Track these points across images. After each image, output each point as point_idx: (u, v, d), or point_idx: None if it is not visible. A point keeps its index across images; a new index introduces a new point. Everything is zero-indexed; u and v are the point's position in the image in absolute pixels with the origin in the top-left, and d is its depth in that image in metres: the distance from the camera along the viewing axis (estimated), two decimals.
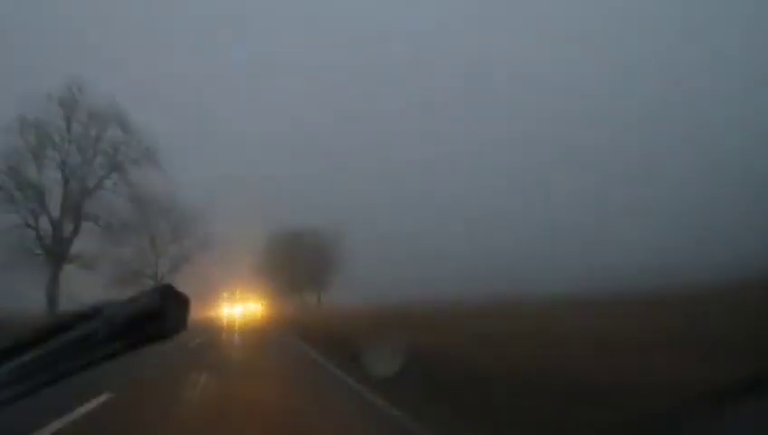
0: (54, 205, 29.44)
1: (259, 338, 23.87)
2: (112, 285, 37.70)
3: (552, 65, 57.15)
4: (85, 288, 29.11)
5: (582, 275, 28.71)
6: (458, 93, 58.67)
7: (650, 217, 40.72)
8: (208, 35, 70.04)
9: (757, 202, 29.93)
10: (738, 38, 47.40)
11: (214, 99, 61.50)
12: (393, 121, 58.86)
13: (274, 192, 52.68)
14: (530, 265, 37.22)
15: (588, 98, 53.17)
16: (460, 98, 58.43)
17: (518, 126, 54.29)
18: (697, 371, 4.70)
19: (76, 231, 30.26)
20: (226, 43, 65.32)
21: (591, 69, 54.77)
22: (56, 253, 29.27)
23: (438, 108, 59.10)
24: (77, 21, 54.88)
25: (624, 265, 28.98)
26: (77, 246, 30.55)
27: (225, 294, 54.00)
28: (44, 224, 29.28)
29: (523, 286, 26.01)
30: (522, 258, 39.47)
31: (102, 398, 7.29)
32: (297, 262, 49.89)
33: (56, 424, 5.74)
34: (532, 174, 50.52)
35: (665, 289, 15.41)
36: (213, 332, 26.09)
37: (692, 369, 4.88)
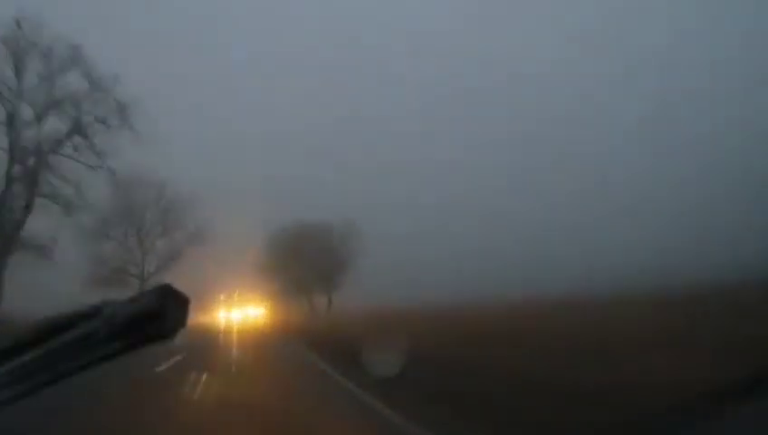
0: None
1: (263, 350, 19.10)
2: (90, 284, 32.90)
3: (551, 65, 57.14)
4: (58, 286, 25.29)
5: (582, 275, 28.70)
6: (458, 93, 58.65)
7: (650, 217, 40.72)
8: (208, 35, 70.08)
9: (757, 202, 29.92)
10: (738, 38, 47.41)
11: (214, 99, 61.44)
12: (394, 121, 58.83)
13: (275, 191, 52.26)
14: (529, 265, 37.20)
15: (588, 98, 53.18)
16: (460, 98, 58.42)
17: (518, 126, 54.27)
18: (697, 371, 4.70)
19: (28, 209, 23.51)
20: (226, 42, 65.24)
21: (591, 69, 54.76)
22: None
23: (439, 107, 59.09)
24: (76, 21, 54.79)
25: (624, 266, 28.96)
26: (34, 230, 23.88)
27: (221, 297, 47.51)
28: None
29: (522, 287, 25.99)
30: (521, 258, 39.46)
31: None
32: (305, 260, 44.06)
33: None
34: (532, 174, 50.49)
35: (665, 289, 15.39)
36: (204, 344, 19.44)
37: (692, 369, 4.88)
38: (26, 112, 23.46)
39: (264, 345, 21.16)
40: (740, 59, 46.38)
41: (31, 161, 23.72)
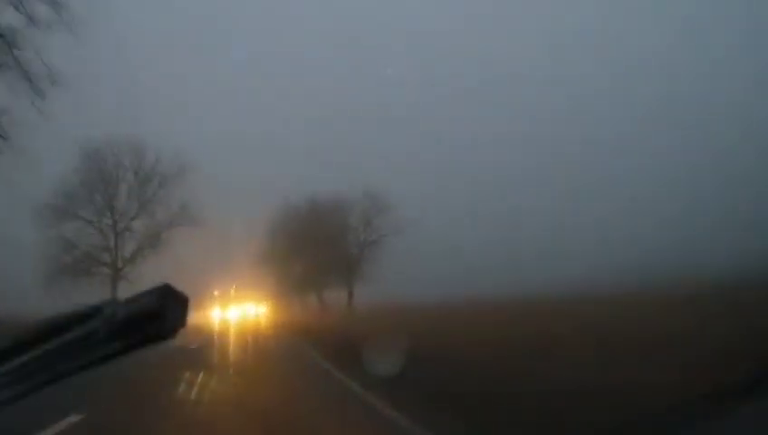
0: None
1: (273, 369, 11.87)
2: (52, 275, 26.47)
3: (552, 65, 57.20)
4: (15, 278, 21.56)
5: (582, 275, 28.71)
6: (458, 93, 58.69)
7: (650, 217, 40.77)
8: (208, 35, 70.14)
9: (757, 202, 29.95)
10: (739, 37, 47.48)
11: (214, 99, 61.48)
12: (394, 121, 58.91)
13: (272, 191, 51.94)
14: (529, 264, 37.21)
15: (588, 97, 53.26)
16: (460, 97, 58.47)
17: (518, 126, 54.33)
18: (697, 371, 4.70)
19: None
20: (226, 42, 65.26)
21: (591, 69, 54.85)
22: None
23: (439, 107, 59.16)
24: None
25: (624, 265, 28.98)
26: None
27: (216, 293, 39.28)
28: None
29: (523, 287, 25.97)
30: (522, 256, 39.46)
31: None
32: (317, 245, 34.75)
33: None
34: (533, 173, 50.52)
35: (664, 289, 15.41)
36: (187, 357, 12.51)
37: (692, 369, 4.89)
38: None
39: (274, 360, 13.80)
40: (740, 59, 46.46)
41: None
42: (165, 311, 1.00)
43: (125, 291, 28.22)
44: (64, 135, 21.82)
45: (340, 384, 8.58)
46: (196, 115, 59.35)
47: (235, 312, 39.97)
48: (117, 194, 30.27)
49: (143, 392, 7.79)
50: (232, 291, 40.65)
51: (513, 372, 6.67)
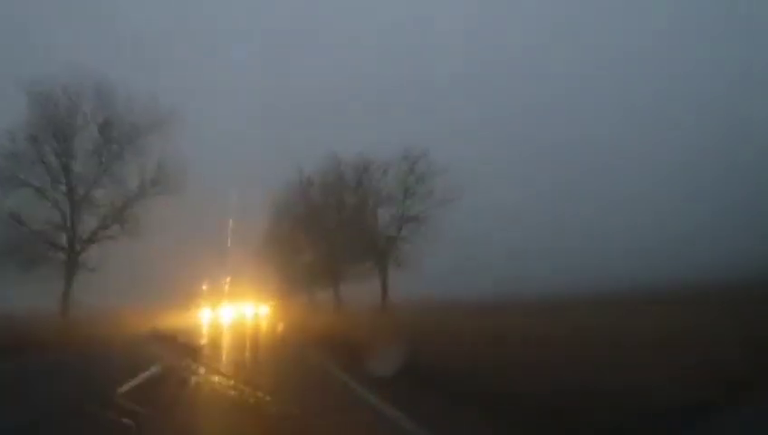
0: None
1: None
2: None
3: (551, 64, 57.21)
4: None
5: (581, 275, 28.69)
6: (458, 93, 58.69)
7: (650, 217, 40.76)
8: (208, 35, 70.08)
9: (757, 202, 29.94)
10: (739, 37, 47.46)
11: (214, 99, 61.44)
12: (394, 120, 58.91)
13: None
14: (529, 264, 37.15)
15: (587, 97, 53.26)
16: (460, 97, 58.46)
17: (518, 125, 54.32)
18: (698, 371, 4.70)
19: None
20: (226, 42, 65.23)
21: (592, 68, 54.85)
22: None
23: (439, 107, 59.16)
24: (76, 19, 54.80)
25: (624, 266, 28.95)
26: None
27: (204, 287, 31.93)
28: None
29: (522, 287, 25.91)
30: (521, 258, 39.38)
31: None
32: (335, 227, 27.92)
33: None
34: (532, 173, 50.50)
35: (664, 289, 15.41)
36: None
37: (692, 369, 4.89)
38: None
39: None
40: (740, 59, 46.45)
41: None
42: None
43: (83, 282, 22.79)
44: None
45: None
46: (195, 115, 59.21)
47: (230, 312, 32.94)
48: (73, 150, 22.83)
49: None
50: (226, 285, 32.76)
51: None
